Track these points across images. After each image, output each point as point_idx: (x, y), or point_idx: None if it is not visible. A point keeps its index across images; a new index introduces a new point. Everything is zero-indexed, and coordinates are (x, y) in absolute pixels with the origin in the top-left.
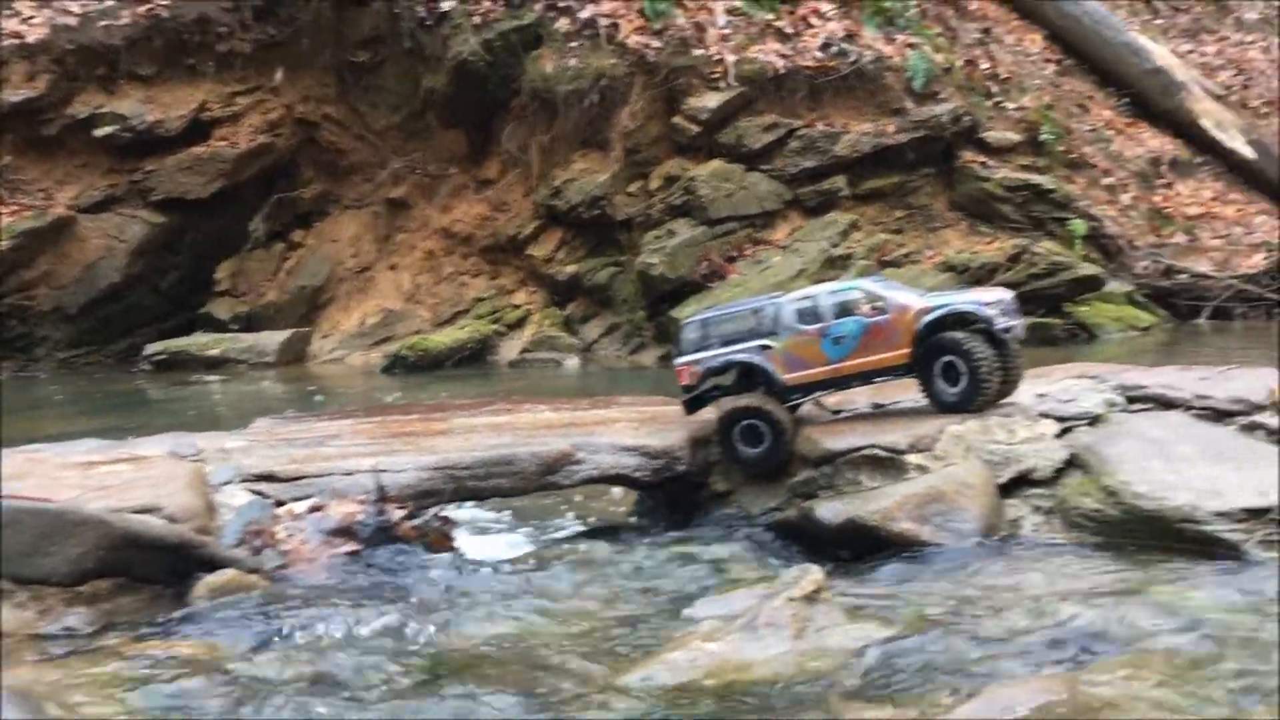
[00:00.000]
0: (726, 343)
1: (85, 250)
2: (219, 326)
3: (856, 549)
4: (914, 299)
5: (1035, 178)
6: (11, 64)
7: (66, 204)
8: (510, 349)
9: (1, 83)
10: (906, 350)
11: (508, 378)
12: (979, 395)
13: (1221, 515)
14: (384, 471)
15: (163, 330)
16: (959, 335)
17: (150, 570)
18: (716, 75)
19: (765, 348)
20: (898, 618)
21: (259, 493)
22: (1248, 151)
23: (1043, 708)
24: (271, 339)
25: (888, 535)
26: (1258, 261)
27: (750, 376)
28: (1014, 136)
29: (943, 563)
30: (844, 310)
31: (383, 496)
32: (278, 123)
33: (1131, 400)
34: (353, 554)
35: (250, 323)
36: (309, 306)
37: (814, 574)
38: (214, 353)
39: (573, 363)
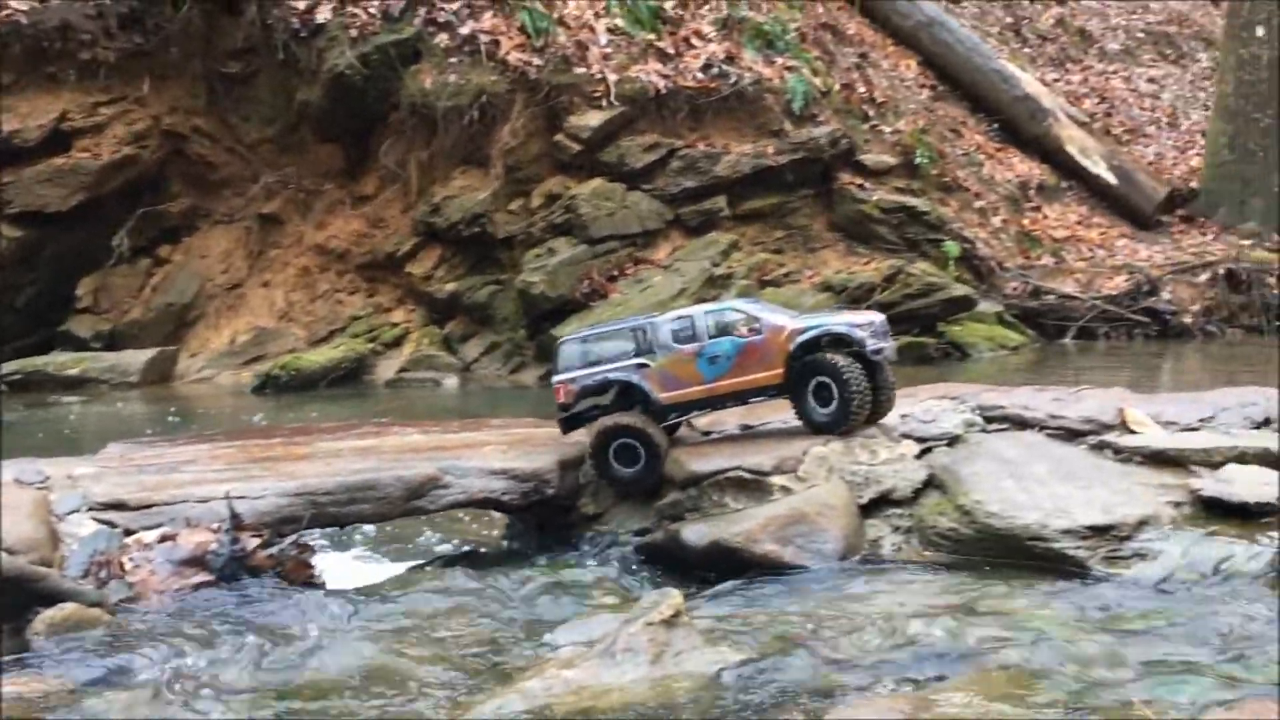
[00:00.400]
0: (605, 361)
1: None
2: (80, 345)
3: (722, 571)
4: (788, 320)
5: (910, 200)
6: None
7: None
8: (387, 368)
9: None
10: (780, 371)
11: (384, 397)
12: (850, 417)
13: (1068, 533)
14: (241, 498)
15: (19, 349)
16: (831, 356)
17: None
18: (598, 94)
19: (642, 366)
20: (756, 640)
21: (107, 522)
22: (1110, 177)
23: None
24: (135, 358)
25: (751, 557)
26: (1119, 283)
27: (628, 395)
28: (890, 160)
29: (804, 583)
30: (720, 330)
31: (238, 525)
32: (144, 134)
33: (989, 420)
34: (205, 585)
35: (113, 341)
36: (176, 324)
37: (673, 598)
38: (73, 372)
39: (451, 382)
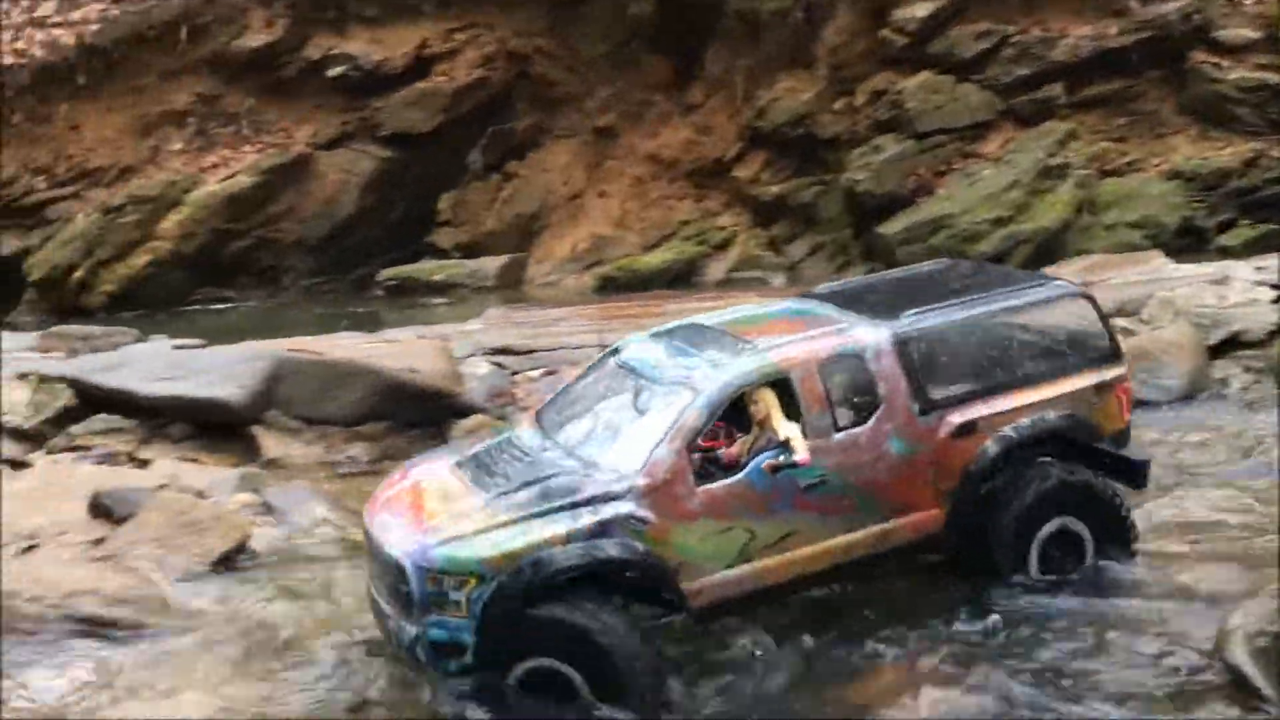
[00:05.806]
0: None
1: (323, 185)
2: (442, 255)
3: None
4: None
5: (1274, 77)
6: (251, 11)
7: (305, 142)
8: (716, 269)
9: (243, 30)
10: None
11: (716, 294)
12: None
13: None
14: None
15: (392, 260)
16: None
17: (412, 416)
18: None
19: None
20: None
21: (497, 364)
22: None
23: None
24: (491, 264)
25: None
26: None
27: None
28: (1250, 34)
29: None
30: None
31: None
32: (492, 57)
33: None
34: None
35: (470, 251)
36: (524, 234)
37: None
38: (439, 278)
39: (779, 280)
